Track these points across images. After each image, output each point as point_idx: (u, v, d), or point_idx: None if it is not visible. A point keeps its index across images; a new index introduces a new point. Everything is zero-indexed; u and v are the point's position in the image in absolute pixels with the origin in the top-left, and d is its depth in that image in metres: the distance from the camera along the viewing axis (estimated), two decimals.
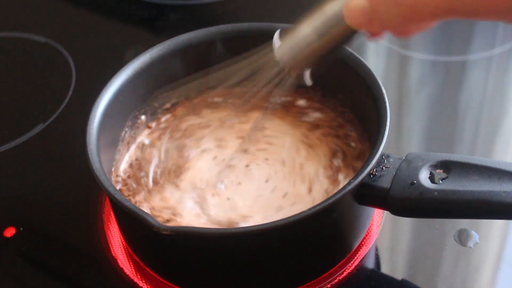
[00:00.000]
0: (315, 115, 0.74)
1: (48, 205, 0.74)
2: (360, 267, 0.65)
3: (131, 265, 0.67)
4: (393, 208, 0.59)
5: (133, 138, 0.72)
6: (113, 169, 0.69)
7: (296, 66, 0.55)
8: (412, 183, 0.57)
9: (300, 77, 0.57)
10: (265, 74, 0.58)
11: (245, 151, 0.70)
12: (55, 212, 0.73)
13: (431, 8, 0.46)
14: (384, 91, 0.63)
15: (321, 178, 0.67)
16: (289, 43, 0.54)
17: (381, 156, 0.59)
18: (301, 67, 0.55)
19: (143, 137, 0.73)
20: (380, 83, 0.64)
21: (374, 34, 0.52)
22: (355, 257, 0.66)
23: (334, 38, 0.52)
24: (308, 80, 0.57)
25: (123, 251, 0.68)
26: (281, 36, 0.55)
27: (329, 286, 0.64)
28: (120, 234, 0.68)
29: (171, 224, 0.64)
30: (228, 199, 0.66)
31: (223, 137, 0.72)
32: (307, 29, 0.53)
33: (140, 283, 0.65)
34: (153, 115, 0.74)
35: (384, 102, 0.63)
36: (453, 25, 0.93)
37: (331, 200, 0.56)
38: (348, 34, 0.51)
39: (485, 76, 0.87)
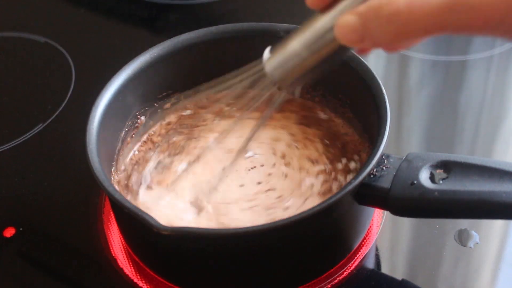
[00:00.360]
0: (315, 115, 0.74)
1: (48, 205, 0.74)
2: (360, 267, 0.65)
3: (131, 265, 0.67)
4: (393, 208, 0.59)
5: (133, 138, 0.72)
6: (113, 169, 0.69)
7: (287, 81, 0.54)
8: (412, 183, 0.57)
9: (291, 90, 0.56)
10: (257, 89, 0.57)
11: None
12: (55, 212, 0.73)
13: (423, 25, 0.45)
14: (384, 91, 0.63)
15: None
16: (279, 58, 0.53)
17: (381, 156, 0.59)
18: (292, 82, 0.54)
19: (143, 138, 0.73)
20: (380, 83, 0.64)
21: (363, 50, 0.52)
22: (355, 257, 0.66)
23: (325, 54, 0.51)
24: (298, 93, 0.55)
25: (123, 251, 0.68)
26: (271, 51, 0.54)
27: (329, 286, 0.64)
28: (120, 234, 0.68)
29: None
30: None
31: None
32: (297, 45, 0.52)
33: (140, 283, 0.65)
34: (153, 115, 0.74)
35: (384, 102, 0.63)
36: None
37: (331, 200, 0.56)
38: (339, 50, 0.51)
39: (485, 76, 0.87)
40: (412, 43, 0.49)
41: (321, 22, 0.51)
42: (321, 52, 0.51)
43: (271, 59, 0.54)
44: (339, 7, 0.50)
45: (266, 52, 0.54)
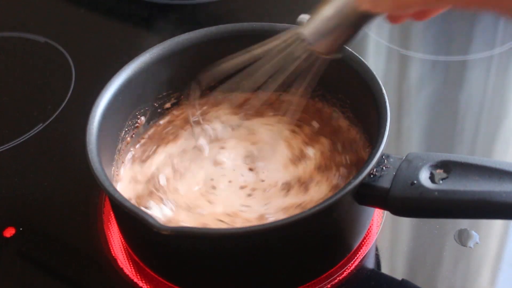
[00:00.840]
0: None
1: (48, 205, 0.74)
2: (360, 267, 0.65)
3: (131, 265, 0.67)
4: (393, 208, 0.59)
5: (133, 138, 0.72)
6: (113, 169, 0.69)
7: (323, 43, 0.58)
8: (412, 183, 0.57)
9: (327, 53, 0.60)
10: (292, 59, 0.60)
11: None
12: (55, 212, 0.73)
13: None
14: (384, 91, 0.63)
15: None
16: (315, 24, 0.58)
17: (381, 156, 0.59)
18: (327, 44, 0.58)
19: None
20: (380, 83, 0.64)
21: (392, 18, 0.56)
22: (355, 257, 0.66)
23: (352, 18, 0.56)
24: (338, 54, 0.60)
25: (123, 251, 0.68)
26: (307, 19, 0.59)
27: (329, 286, 0.64)
28: (120, 234, 0.68)
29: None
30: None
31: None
32: (329, 11, 0.56)
33: (140, 283, 0.65)
34: (153, 115, 0.74)
35: (384, 102, 0.63)
36: (453, 25, 0.93)
37: (331, 200, 0.56)
38: (363, 15, 0.55)
39: (485, 76, 0.87)
40: (413, 9, 0.52)
41: None
42: (349, 16, 0.56)
43: (308, 25, 0.58)
44: None
45: (301, 18, 0.59)
